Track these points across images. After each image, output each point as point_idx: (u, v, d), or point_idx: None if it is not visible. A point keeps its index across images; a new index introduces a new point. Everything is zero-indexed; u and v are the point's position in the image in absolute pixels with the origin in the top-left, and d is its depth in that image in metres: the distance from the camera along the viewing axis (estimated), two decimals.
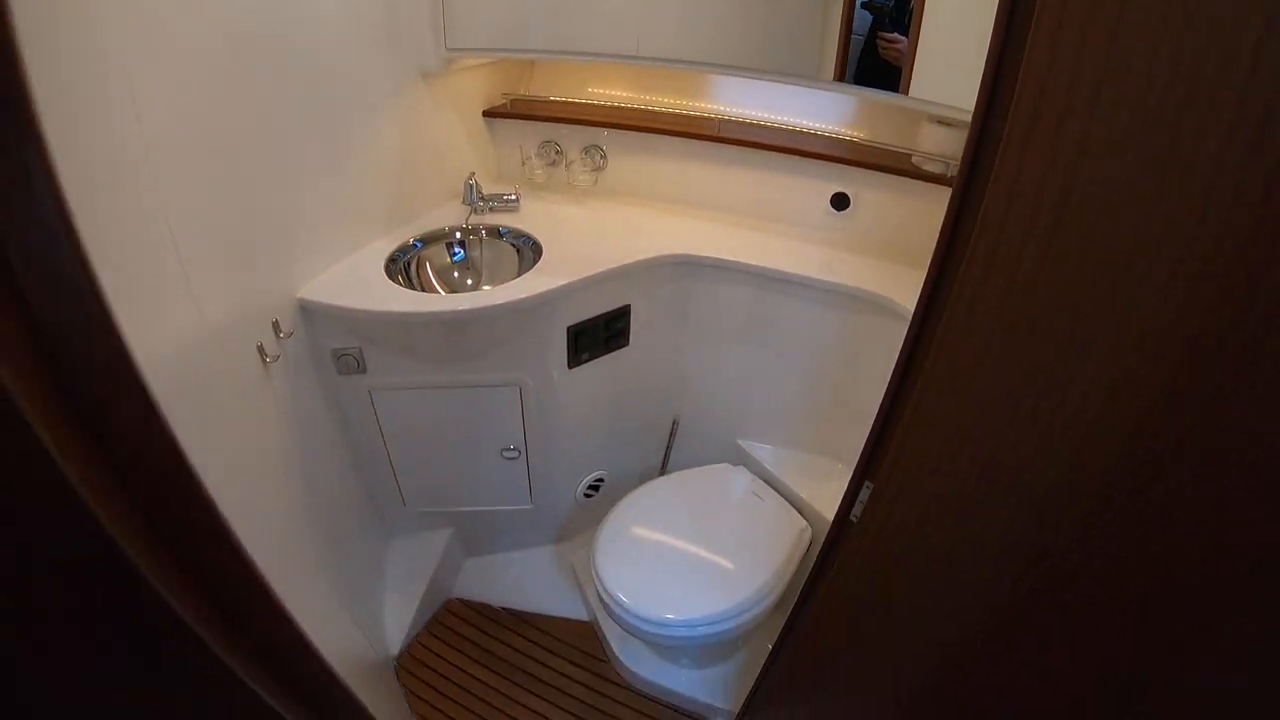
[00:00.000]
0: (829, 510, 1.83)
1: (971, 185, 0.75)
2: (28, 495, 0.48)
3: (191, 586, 0.63)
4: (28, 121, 0.42)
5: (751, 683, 1.82)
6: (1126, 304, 0.59)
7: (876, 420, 0.96)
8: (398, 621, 2.24)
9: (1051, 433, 0.69)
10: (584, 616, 2.39)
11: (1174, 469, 0.58)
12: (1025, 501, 0.74)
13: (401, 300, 1.67)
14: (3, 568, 0.52)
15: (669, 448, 2.57)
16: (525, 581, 2.48)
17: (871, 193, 1.98)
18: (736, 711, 1.99)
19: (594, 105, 2.33)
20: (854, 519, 1.05)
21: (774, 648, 1.57)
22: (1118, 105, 0.56)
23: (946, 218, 0.79)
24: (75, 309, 0.48)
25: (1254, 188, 0.48)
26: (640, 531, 1.95)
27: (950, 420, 0.82)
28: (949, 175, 1.78)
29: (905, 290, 1.78)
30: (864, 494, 1.01)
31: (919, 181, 1.85)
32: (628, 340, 2.11)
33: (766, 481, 2.20)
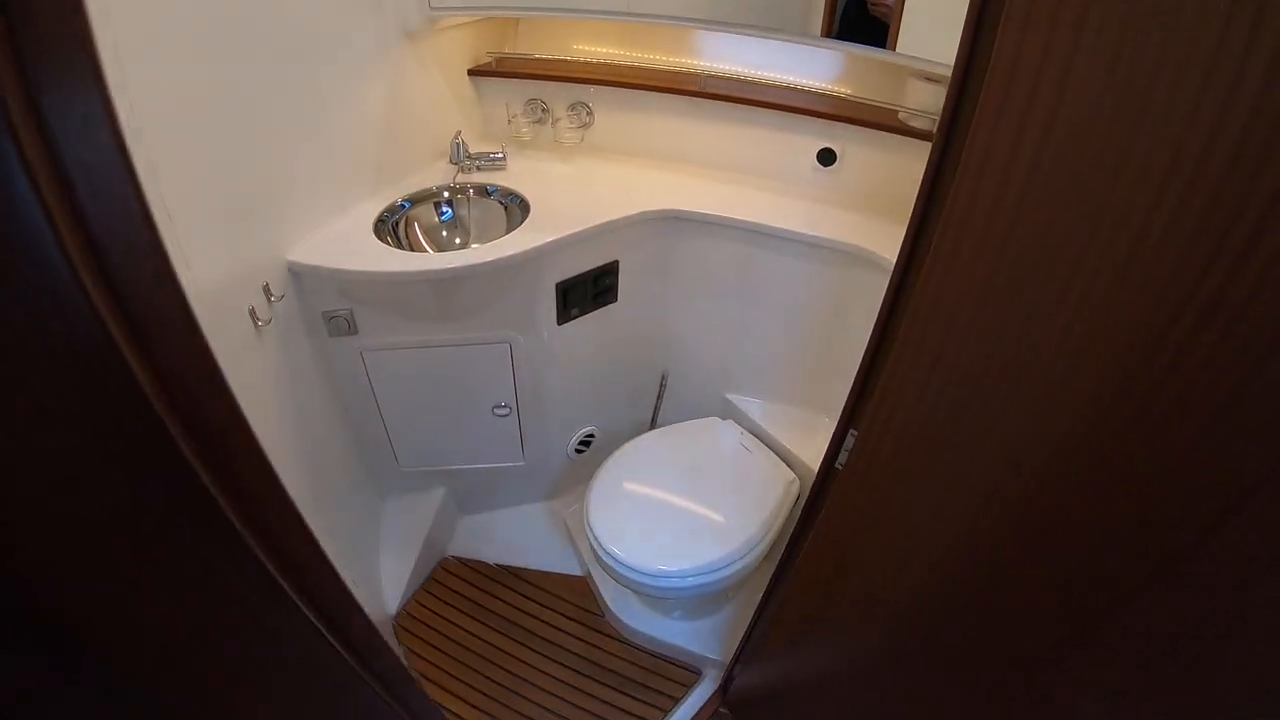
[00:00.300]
0: (816, 462, 1.87)
1: (951, 140, 0.76)
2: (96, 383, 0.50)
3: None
4: (94, 61, 0.43)
5: (743, 633, 1.86)
6: (1097, 257, 0.61)
7: (860, 369, 0.99)
8: (395, 581, 2.28)
9: (1023, 378, 0.72)
10: (578, 571, 2.43)
11: (1140, 418, 0.61)
12: (993, 436, 0.77)
13: (391, 260, 1.68)
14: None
15: (658, 402, 2.60)
16: (519, 538, 2.52)
17: (858, 148, 1.99)
18: (729, 661, 2.05)
19: (580, 63, 2.32)
20: (840, 466, 1.08)
21: (764, 595, 1.61)
22: (1090, 61, 0.58)
23: (926, 172, 0.82)
24: (131, 231, 0.50)
25: (1226, 137, 0.50)
26: (632, 486, 1.98)
27: (930, 367, 0.85)
28: (934, 130, 1.79)
29: (890, 244, 1.78)
30: (849, 441, 1.04)
31: (905, 138, 1.85)
32: (616, 296, 2.12)
33: (755, 434, 2.24)
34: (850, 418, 1.04)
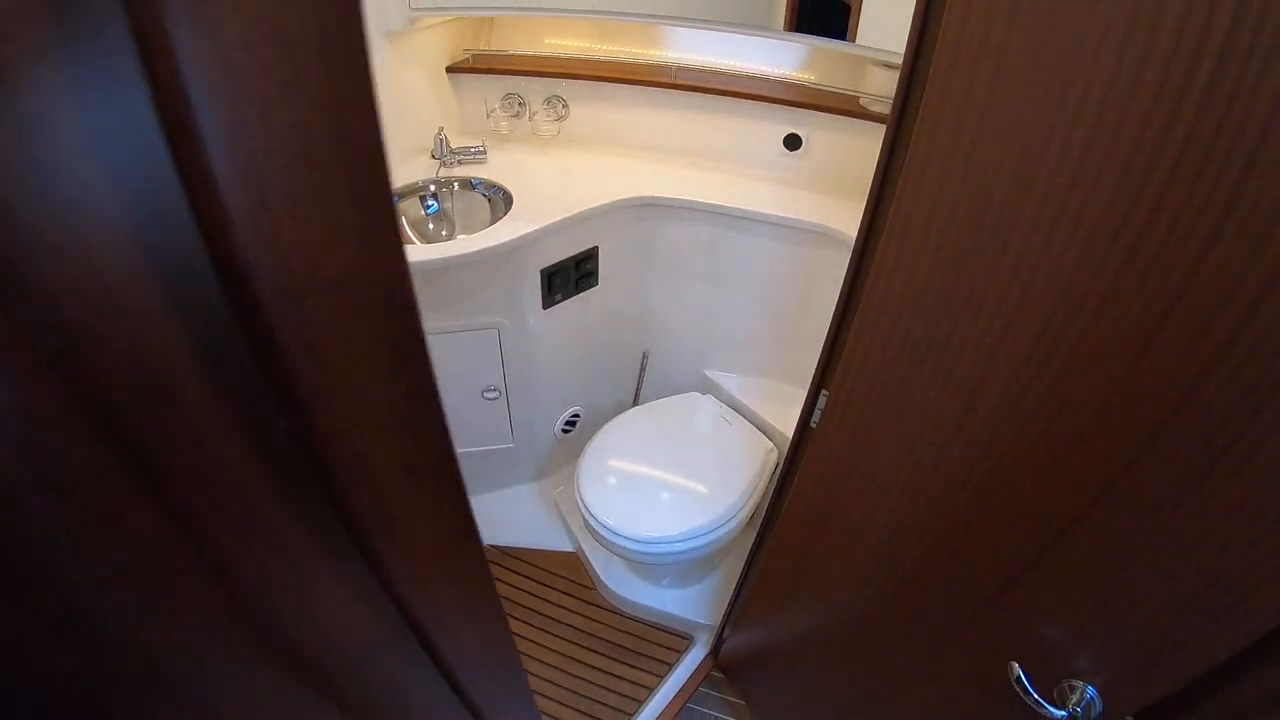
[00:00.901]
0: (792, 431, 1.98)
1: (901, 125, 0.87)
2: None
3: None
4: None
5: (730, 597, 1.97)
6: (1027, 227, 0.72)
7: (829, 332, 1.10)
8: None
9: (971, 332, 0.83)
10: (569, 548, 2.52)
11: (1069, 362, 0.72)
12: (952, 380, 0.88)
13: None
14: None
15: (640, 380, 2.69)
16: (510, 518, 2.61)
17: (822, 133, 2.09)
18: (718, 625, 2.16)
19: (553, 57, 2.39)
20: (814, 425, 1.18)
21: (749, 556, 1.72)
22: (1019, 53, 0.69)
23: (882, 152, 0.92)
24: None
25: (1133, 117, 0.61)
26: (618, 462, 2.07)
27: (890, 327, 0.95)
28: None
29: (853, 222, 1.83)
30: (821, 401, 1.14)
31: (866, 122, 1.96)
32: (597, 280, 2.22)
33: (733, 408, 2.34)
34: (821, 379, 1.14)
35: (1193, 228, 0.59)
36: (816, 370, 1.15)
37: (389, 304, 0.38)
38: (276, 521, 0.41)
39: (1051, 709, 0.88)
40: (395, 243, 0.36)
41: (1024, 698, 0.90)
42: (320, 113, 0.30)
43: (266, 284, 0.30)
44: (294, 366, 0.33)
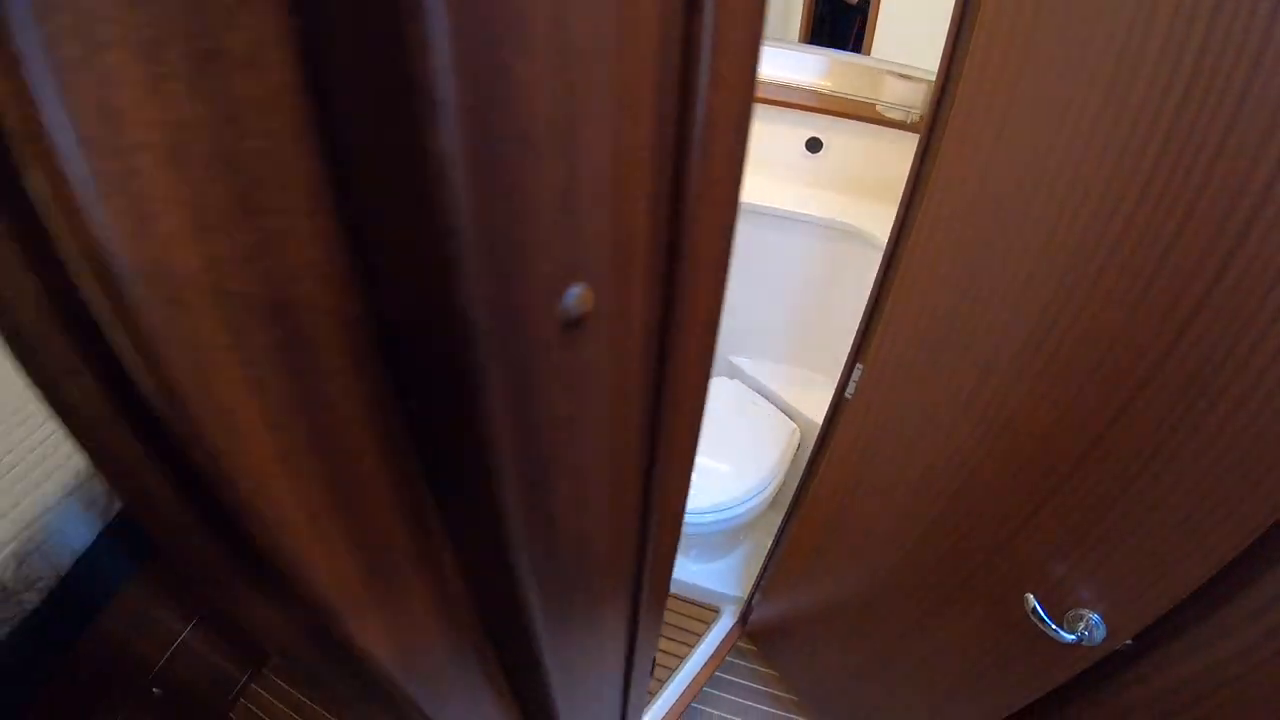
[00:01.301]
0: (814, 414, 2.11)
1: (933, 136, 1.03)
2: None
3: None
4: None
5: (758, 570, 2.12)
6: (1037, 219, 0.88)
7: (865, 312, 1.25)
8: None
9: (988, 308, 0.99)
10: None
11: (1070, 330, 0.88)
12: (971, 350, 1.04)
13: None
14: None
15: None
16: None
17: (841, 137, 2.23)
18: (747, 595, 2.30)
19: None
20: (849, 396, 1.34)
21: (781, 526, 1.87)
22: (1037, 74, 0.85)
23: (915, 159, 1.08)
24: None
25: (1116, 139, 0.76)
26: None
27: (919, 306, 1.11)
28: (909, 121, 2.05)
29: (871, 220, 2.03)
30: (856, 374, 1.30)
31: (882, 127, 2.10)
32: None
33: (758, 391, 2.49)
34: (857, 353, 1.30)
35: (1161, 228, 0.75)
36: (852, 347, 1.31)
37: None
38: None
39: (1063, 633, 1.03)
40: None
41: (1040, 626, 1.06)
42: None
43: None
44: None
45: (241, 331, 0.23)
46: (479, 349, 0.26)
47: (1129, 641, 1.00)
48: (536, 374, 0.31)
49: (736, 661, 2.33)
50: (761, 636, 2.27)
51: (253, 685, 2.44)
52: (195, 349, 0.22)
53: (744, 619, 2.34)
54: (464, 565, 0.42)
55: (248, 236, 0.21)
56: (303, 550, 0.29)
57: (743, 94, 0.31)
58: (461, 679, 0.52)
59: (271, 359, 0.24)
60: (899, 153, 1.99)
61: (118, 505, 1.78)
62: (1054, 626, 1.04)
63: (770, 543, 1.98)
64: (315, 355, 0.26)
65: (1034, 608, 1.07)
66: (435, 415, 0.31)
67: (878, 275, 1.21)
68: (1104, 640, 1.01)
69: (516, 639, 0.49)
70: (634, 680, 0.85)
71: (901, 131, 2.08)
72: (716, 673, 2.30)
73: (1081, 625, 1.03)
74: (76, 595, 1.74)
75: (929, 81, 1.92)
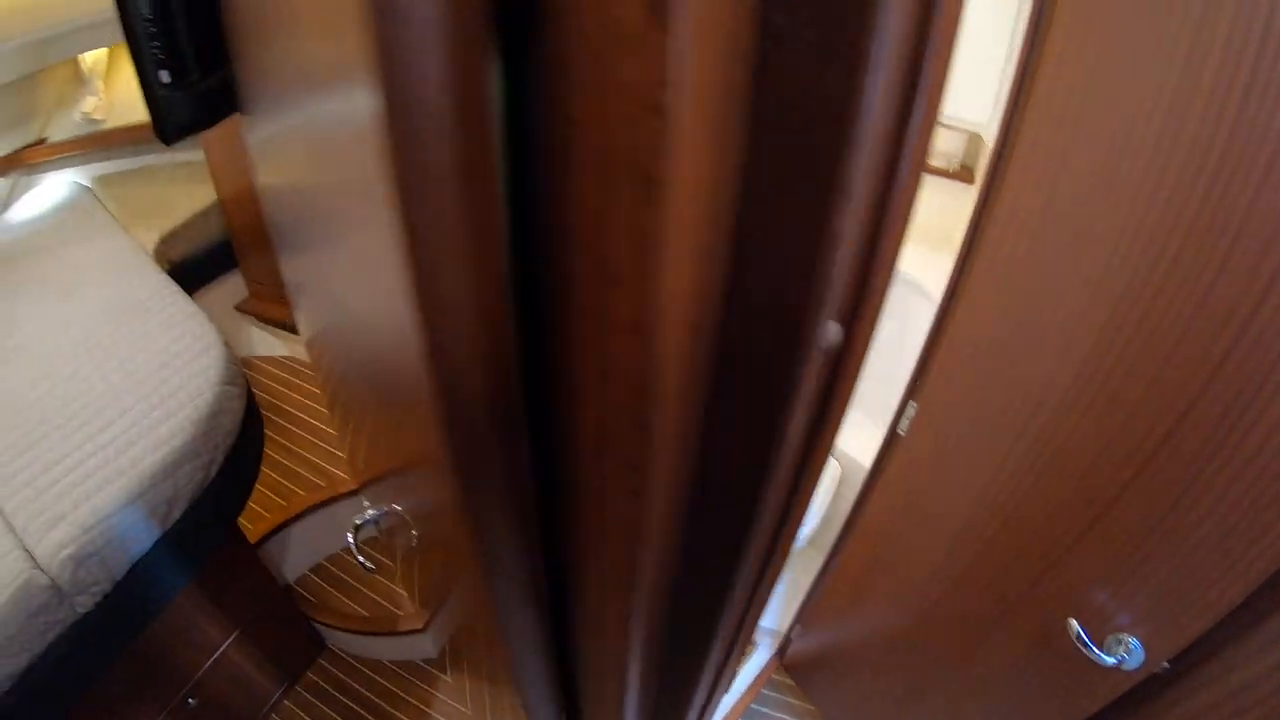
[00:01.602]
0: (854, 452, 2.18)
1: (990, 193, 1.13)
2: None
3: None
4: None
5: (797, 606, 2.18)
6: (1089, 265, 0.97)
7: (922, 352, 1.34)
8: None
9: (1039, 345, 1.08)
10: None
11: (1116, 369, 0.97)
12: (1022, 388, 1.13)
13: None
14: None
15: None
16: None
17: None
18: (785, 628, 2.35)
19: None
20: (901, 433, 1.42)
21: (827, 558, 1.92)
22: (1090, 140, 0.95)
23: (974, 211, 1.17)
24: None
25: (1178, 199, 0.86)
26: None
27: (974, 343, 1.21)
28: (950, 169, 2.15)
29: (913, 263, 2.05)
30: (910, 410, 1.38)
31: (926, 174, 2.20)
32: None
33: None
34: (911, 391, 1.38)
35: (1201, 274, 0.85)
36: (907, 385, 1.39)
37: None
38: None
39: (1104, 656, 1.10)
40: None
41: (1083, 650, 1.12)
42: None
43: None
44: None
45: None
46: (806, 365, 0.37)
47: (1165, 665, 1.07)
48: (806, 387, 0.41)
49: (771, 694, 2.36)
50: (799, 668, 2.32)
51: (285, 701, 2.51)
52: None
53: (781, 651, 2.38)
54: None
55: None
56: None
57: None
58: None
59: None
60: (941, 199, 2.08)
61: (177, 514, 1.82)
62: (1096, 650, 1.11)
63: (811, 578, 2.04)
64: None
65: (1077, 632, 1.13)
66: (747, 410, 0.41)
67: (935, 316, 1.30)
68: (1142, 664, 1.08)
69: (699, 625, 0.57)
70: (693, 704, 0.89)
71: (944, 179, 2.18)
72: (751, 705, 2.33)
73: (1121, 649, 1.09)
74: (129, 603, 1.76)
75: (969, 132, 2.02)
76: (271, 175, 0.95)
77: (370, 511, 1.19)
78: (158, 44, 0.89)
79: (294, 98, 0.58)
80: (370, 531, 1.22)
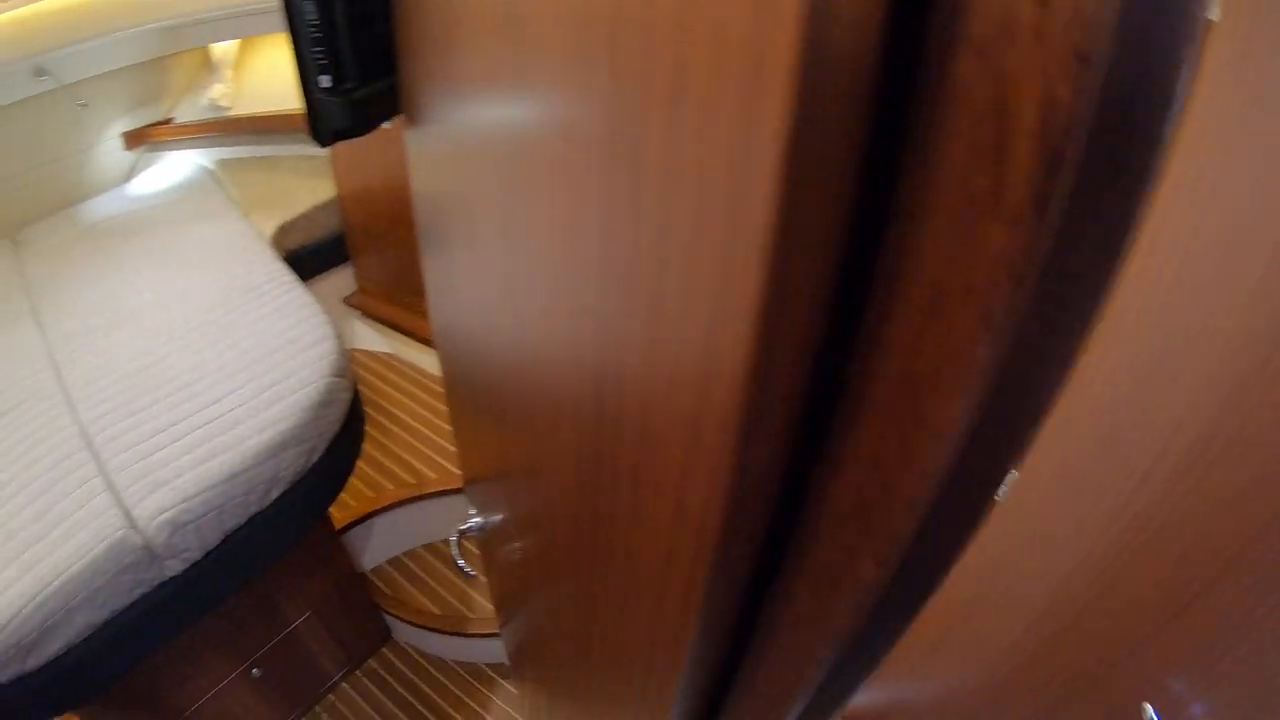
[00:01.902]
0: None
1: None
2: None
3: None
4: None
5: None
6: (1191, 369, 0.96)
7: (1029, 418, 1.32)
8: None
9: (1152, 416, 1.05)
10: None
11: (1231, 443, 0.95)
12: (1131, 463, 1.10)
13: None
14: None
15: None
16: None
17: None
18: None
19: None
20: (999, 499, 1.40)
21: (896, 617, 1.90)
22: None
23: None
24: None
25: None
26: None
27: (1081, 411, 1.17)
28: None
29: None
30: (1009, 477, 1.37)
31: None
32: None
33: None
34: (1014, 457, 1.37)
35: None
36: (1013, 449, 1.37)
37: None
38: None
39: None
40: None
41: None
42: None
43: None
44: None
45: None
46: None
47: None
48: None
49: None
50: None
51: (344, 684, 2.58)
52: None
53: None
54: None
55: None
56: None
57: None
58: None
59: None
60: None
61: (275, 495, 1.87)
62: None
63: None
64: None
65: (1151, 717, 1.11)
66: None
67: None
68: None
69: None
70: None
71: None
72: None
73: None
74: (216, 572, 1.83)
75: None
76: (440, 179, 0.98)
77: (476, 519, 1.22)
78: (320, 49, 0.94)
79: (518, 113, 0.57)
80: (472, 535, 1.25)
